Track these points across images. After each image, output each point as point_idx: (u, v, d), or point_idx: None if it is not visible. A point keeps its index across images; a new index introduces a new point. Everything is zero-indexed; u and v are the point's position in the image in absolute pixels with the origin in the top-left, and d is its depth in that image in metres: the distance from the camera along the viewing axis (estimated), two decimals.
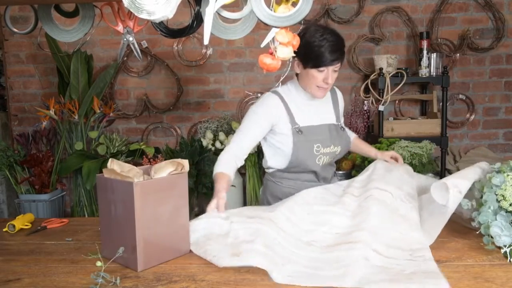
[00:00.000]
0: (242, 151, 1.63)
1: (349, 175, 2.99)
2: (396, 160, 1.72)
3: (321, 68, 1.53)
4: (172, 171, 1.26)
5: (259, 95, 3.38)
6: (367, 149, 1.86)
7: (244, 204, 3.24)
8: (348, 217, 1.36)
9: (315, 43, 1.51)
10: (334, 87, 1.77)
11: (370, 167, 1.62)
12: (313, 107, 1.69)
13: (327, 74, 1.54)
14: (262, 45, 1.21)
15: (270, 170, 1.74)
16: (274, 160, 1.70)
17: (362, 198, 1.42)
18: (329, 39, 1.51)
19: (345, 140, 1.73)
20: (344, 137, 1.73)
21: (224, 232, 1.32)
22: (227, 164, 1.59)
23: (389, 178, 1.51)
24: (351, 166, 3.11)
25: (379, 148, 2.76)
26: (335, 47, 1.51)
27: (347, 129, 1.80)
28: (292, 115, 1.63)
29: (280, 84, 1.62)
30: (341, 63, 1.57)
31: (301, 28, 1.57)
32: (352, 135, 1.89)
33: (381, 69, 3.02)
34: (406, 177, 1.55)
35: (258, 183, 3.14)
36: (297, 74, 1.67)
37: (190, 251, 1.29)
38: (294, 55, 1.23)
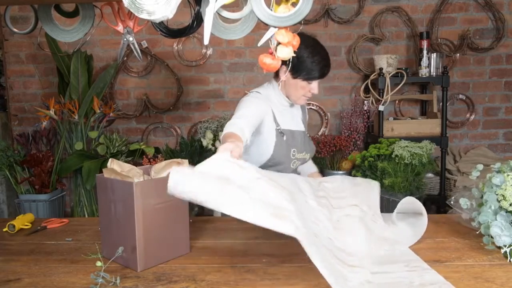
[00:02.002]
0: (243, 134, 1.40)
1: (349, 175, 2.98)
2: None
3: (312, 81, 1.57)
4: None
5: None
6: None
7: None
8: (333, 227, 1.24)
9: (309, 58, 1.53)
10: None
11: (338, 179, 1.48)
12: (289, 113, 1.71)
13: (315, 85, 1.60)
14: (259, 44, 1.21)
15: None
16: (253, 159, 1.64)
17: (341, 214, 1.33)
18: (321, 53, 1.55)
19: (312, 148, 1.79)
20: (311, 145, 1.80)
21: (245, 183, 0.94)
22: (239, 129, 1.36)
23: (359, 193, 1.45)
24: (351, 166, 3.11)
25: (379, 148, 2.77)
26: (327, 61, 1.57)
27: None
28: (275, 116, 1.64)
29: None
30: None
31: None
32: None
33: (381, 69, 3.02)
34: (372, 193, 1.50)
35: None
36: (276, 77, 1.67)
37: (190, 249, 1.29)
38: (294, 55, 1.23)
